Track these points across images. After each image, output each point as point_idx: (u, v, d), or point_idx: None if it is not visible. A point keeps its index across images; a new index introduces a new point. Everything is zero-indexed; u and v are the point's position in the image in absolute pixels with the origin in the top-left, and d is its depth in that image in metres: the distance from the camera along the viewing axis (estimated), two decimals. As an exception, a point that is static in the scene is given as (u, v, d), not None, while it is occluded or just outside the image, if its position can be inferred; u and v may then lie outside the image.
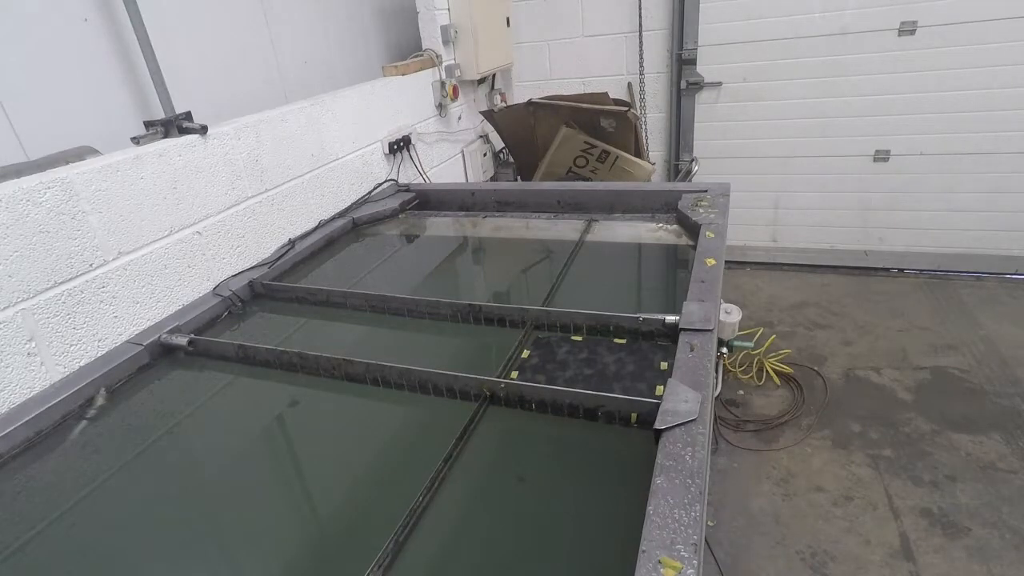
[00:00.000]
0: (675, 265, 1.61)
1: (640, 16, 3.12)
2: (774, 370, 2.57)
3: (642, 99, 3.30)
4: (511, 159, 3.03)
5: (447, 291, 1.61)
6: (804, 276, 3.39)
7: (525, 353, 1.17)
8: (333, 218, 1.97)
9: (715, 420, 2.30)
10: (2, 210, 1.10)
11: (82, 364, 1.25)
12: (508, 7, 3.06)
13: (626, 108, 2.55)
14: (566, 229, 1.83)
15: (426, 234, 1.98)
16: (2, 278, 1.11)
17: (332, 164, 1.99)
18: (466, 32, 2.65)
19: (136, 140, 1.43)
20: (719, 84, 3.20)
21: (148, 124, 1.48)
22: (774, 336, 2.77)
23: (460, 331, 1.33)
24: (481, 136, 3.04)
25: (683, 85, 3.22)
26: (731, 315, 2.04)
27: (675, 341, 1.08)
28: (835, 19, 2.89)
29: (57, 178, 1.20)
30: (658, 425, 0.86)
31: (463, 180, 2.89)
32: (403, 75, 2.37)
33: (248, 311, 1.51)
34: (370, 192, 2.16)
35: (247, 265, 1.65)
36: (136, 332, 1.36)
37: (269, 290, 1.56)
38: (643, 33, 3.16)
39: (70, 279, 1.23)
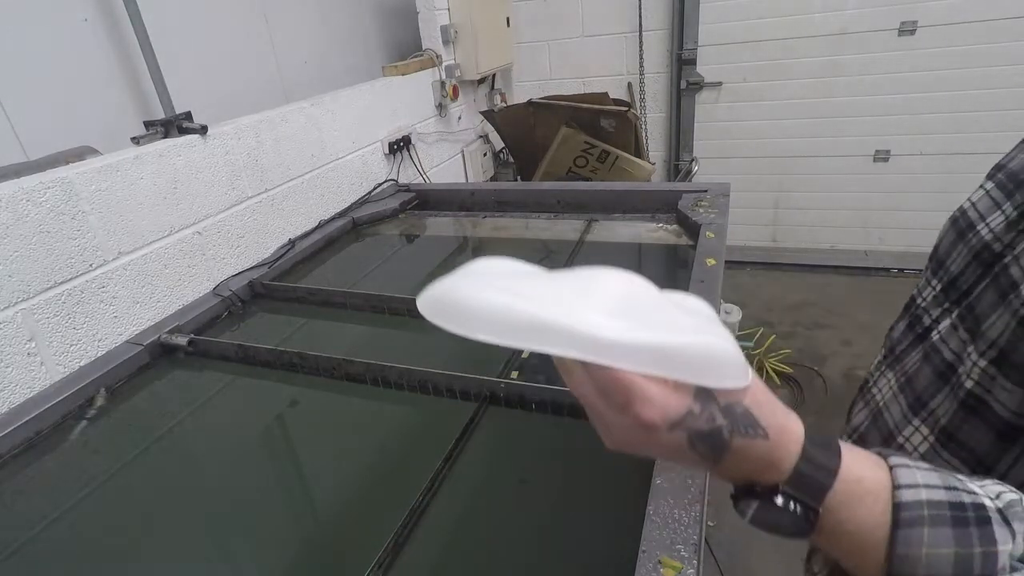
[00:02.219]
0: (675, 265, 1.61)
1: (640, 16, 3.12)
2: (774, 370, 2.57)
3: (642, 99, 3.31)
4: (511, 159, 3.03)
5: (447, 291, 1.61)
6: (804, 276, 3.39)
7: (525, 353, 1.17)
8: (333, 218, 1.96)
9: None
10: (2, 210, 1.10)
11: (82, 364, 1.24)
12: (508, 7, 3.06)
13: (626, 108, 2.55)
14: (566, 229, 1.83)
15: (426, 234, 1.98)
16: (2, 278, 1.11)
17: (332, 164, 1.99)
18: (466, 32, 2.65)
19: (136, 140, 1.43)
20: (719, 84, 3.20)
21: (148, 124, 1.48)
22: (774, 336, 2.77)
23: (460, 331, 1.32)
24: (481, 136, 3.04)
25: (683, 85, 3.22)
26: (731, 315, 2.04)
27: (675, 341, 1.08)
28: (835, 19, 2.89)
29: (57, 178, 1.20)
30: (658, 425, 0.86)
31: (463, 180, 2.89)
32: (403, 75, 2.37)
33: (248, 311, 1.51)
34: (370, 192, 2.16)
35: (247, 265, 1.65)
36: (136, 332, 1.36)
37: (269, 290, 1.56)
38: (643, 33, 3.16)
39: (70, 279, 1.23)
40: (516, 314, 0.35)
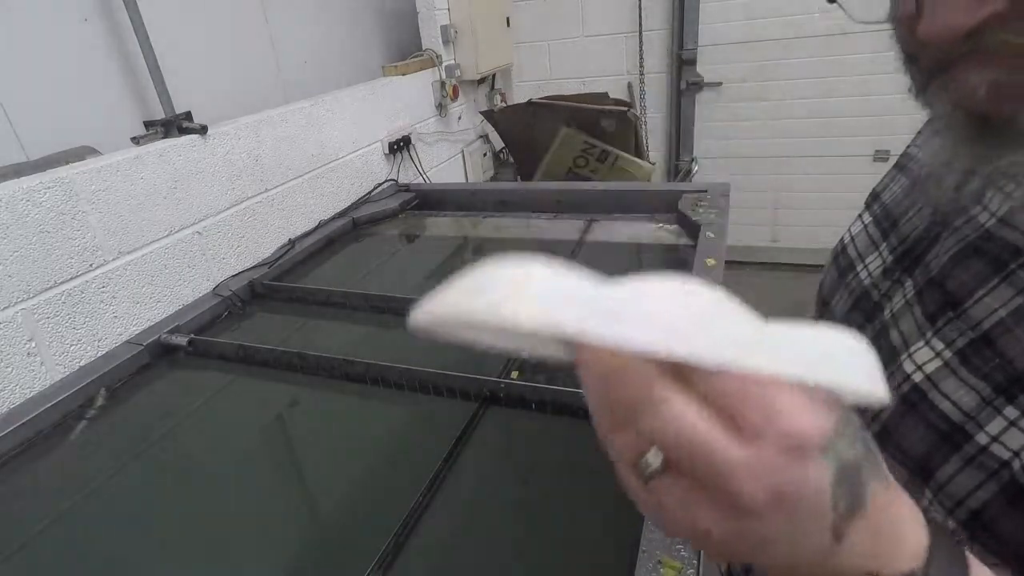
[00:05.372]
0: (675, 265, 1.60)
1: (640, 16, 3.12)
2: (774, 370, 2.57)
3: (642, 99, 3.30)
4: (511, 159, 3.03)
5: (447, 291, 1.61)
6: (804, 276, 3.39)
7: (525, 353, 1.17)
8: (333, 218, 1.96)
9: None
10: (2, 210, 1.10)
11: (82, 364, 1.24)
12: (508, 7, 3.06)
13: (626, 108, 2.55)
14: (566, 229, 1.83)
15: (426, 234, 1.97)
16: (2, 278, 1.11)
17: (332, 164, 1.99)
18: (466, 32, 2.65)
19: (136, 140, 1.43)
20: (719, 84, 3.20)
21: (148, 124, 1.48)
22: (774, 336, 2.76)
23: (460, 331, 1.32)
24: (481, 136, 3.04)
25: (683, 85, 3.22)
26: (731, 315, 2.04)
27: (675, 341, 1.08)
28: (835, 19, 2.89)
29: (57, 178, 1.20)
30: (658, 425, 0.86)
31: (463, 180, 2.89)
32: (403, 75, 2.37)
33: (248, 311, 1.51)
34: (370, 192, 2.16)
35: (247, 265, 1.65)
36: (136, 332, 1.36)
37: (269, 290, 1.56)
38: (643, 33, 3.16)
39: (70, 279, 1.23)
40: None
